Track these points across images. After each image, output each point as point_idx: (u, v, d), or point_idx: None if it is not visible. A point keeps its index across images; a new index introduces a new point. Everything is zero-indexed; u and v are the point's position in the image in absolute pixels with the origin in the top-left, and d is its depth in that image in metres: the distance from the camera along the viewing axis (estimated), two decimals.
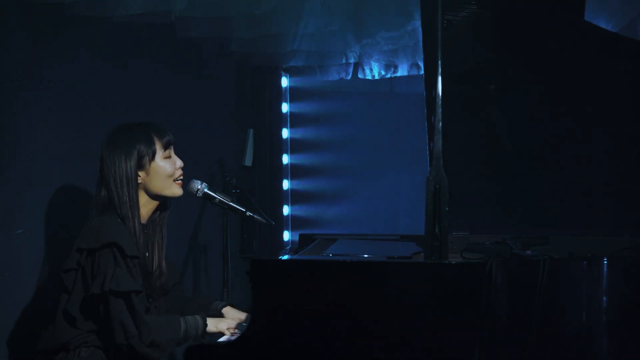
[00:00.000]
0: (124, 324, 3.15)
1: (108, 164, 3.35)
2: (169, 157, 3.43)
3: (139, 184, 3.37)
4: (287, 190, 5.46)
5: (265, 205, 5.20)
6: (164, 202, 3.49)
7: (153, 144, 3.39)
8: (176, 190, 3.45)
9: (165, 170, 3.40)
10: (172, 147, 3.45)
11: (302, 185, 5.46)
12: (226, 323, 3.47)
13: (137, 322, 3.18)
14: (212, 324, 3.43)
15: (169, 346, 3.27)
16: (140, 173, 3.37)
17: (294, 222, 5.44)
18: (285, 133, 5.46)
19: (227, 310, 3.62)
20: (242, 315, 3.57)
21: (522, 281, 3.02)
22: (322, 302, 2.98)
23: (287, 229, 5.43)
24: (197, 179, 3.71)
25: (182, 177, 3.48)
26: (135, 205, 3.34)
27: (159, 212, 3.49)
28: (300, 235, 4.13)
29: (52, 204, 3.87)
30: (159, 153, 3.39)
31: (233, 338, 3.27)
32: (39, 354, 3.32)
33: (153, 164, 3.38)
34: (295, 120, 5.48)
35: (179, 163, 3.46)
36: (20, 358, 3.68)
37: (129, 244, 3.24)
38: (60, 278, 3.26)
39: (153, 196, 3.42)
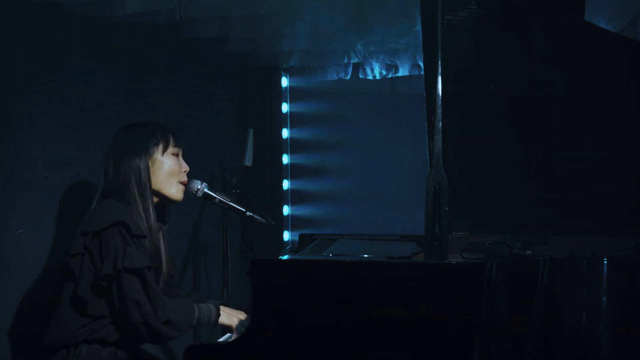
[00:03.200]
0: (139, 302, 3.16)
1: (121, 152, 3.36)
2: (177, 156, 3.47)
3: None
4: (287, 190, 5.45)
5: (265, 205, 5.20)
6: (161, 210, 3.49)
7: (167, 138, 3.43)
8: (176, 193, 3.47)
9: (171, 166, 3.44)
10: (181, 150, 3.49)
11: (302, 185, 5.46)
12: (238, 319, 3.48)
13: (152, 297, 3.18)
14: (226, 317, 3.45)
15: (183, 327, 3.28)
16: (148, 161, 3.40)
17: (294, 222, 5.44)
18: (285, 133, 5.46)
19: (222, 310, 3.61)
20: (235, 314, 3.57)
21: (522, 281, 3.02)
22: (322, 302, 2.98)
23: (287, 229, 5.42)
24: (197, 179, 3.71)
25: (185, 183, 3.50)
26: (148, 193, 3.35)
27: (160, 224, 3.49)
28: (300, 235, 4.13)
29: (52, 204, 3.87)
30: (170, 148, 3.43)
31: (233, 338, 3.27)
32: (43, 351, 3.31)
33: (162, 156, 3.41)
34: (295, 120, 5.48)
35: (185, 167, 3.49)
36: (21, 357, 3.68)
37: (134, 223, 3.25)
38: (66, 263, 3.26)
39: (154, 190, 3.43)
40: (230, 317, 3.48)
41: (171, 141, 3.46)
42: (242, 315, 3.55)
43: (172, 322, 3.23)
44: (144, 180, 3.37)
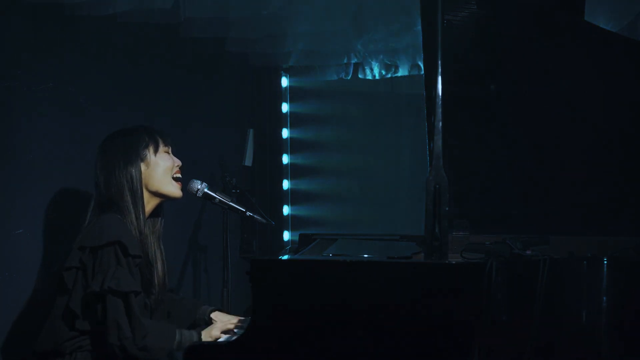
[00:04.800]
0: (119, 325, 3.15)
1: (111, 162, 3.36)
2: (168, 152, 3.47)
3: None
4: (287, 190, 5.45)
5: (265, 205, 5.20)
6: (160, 206, 3.50)
7: (156, 138, 3.43)
8: (174, 190, 3.47)
9: (165, 164, 3.43)
10: (170, 147, 3.49)
11: (302, 185, 5.45)
12: (218, 328, 3.46)
13: (133, 323, 3.17)
14: (206, 335, 3.41)
15: (161, 353, 3.26)
16: (141, 165, 3.39)
17: (294, 222, 5.44)
18: (285, 133, 5.46)
19: (216, 315, 3.61)
20: (233, 319, 3.56)
21: (522, 281, 3.02)
22: (322, 302, 2.98)
23: (287, 229, 5.42)
24: (197, 179, 3.71)
25: (180, 177, 3.50)
26: (140, 199, 3.35)
27: (156, 220, 3.49)
28: (300, 235, 4.13)
29: (52, 204, 3.87)
30: (161, 147, 3.43)
31: (233, 338, 3.27)
32: (35, 356, 3.31)
33: (155, 156, 3.41)
34: (295, 120, 5.47)
35: (177, 161, 3.49)
36: (22, 356, 3.68)
37: (132, 242, 3.25)
38: (60, 276, 3.26)
39: (152, 192, 3.43)
40: (210, 330, 3.43)
41: (160, 141, 3.45)
42: (221, 325, 3.53)
43: (148, 349, 3.20)
44: (135, 187, 3.36)
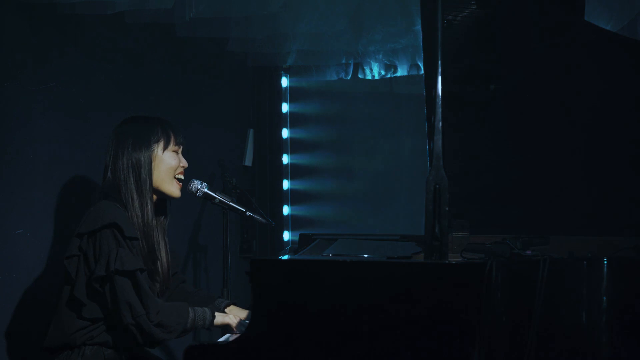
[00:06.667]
0: (131, 304, 3.16)
1: (120, 146, 3.35)
2: (177, 152, 3.46)
3: None
4: (287, 190, 5.46)
5: (265, 205, 5.20)
6: (162, 204, 3.50)
7: (168, 134, 3.42)
8: (174, 190, 3.47)
9: (170, 162, 3.43)
10: (181, 147, 3.48)
11: (302, 185, 5.46)
12: (233, 316, 3.47)
13: (144, 300, 3.18)
14: (220, 317, 3.43)
15: (177, 329, 3.26)
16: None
17: (294, 222, 5.44)
18: (285, 133, 5.46)
19: (231, 309, 3.63)
20: (245, 314, 3.57)
21: (522, 281, 3.02)
22: (322, 302, 2.98)
23: (287, 229, 5.42)
24: (197, 179, 3.71)
25: (182, 177, 3.50)
26: (147, 188, 3.34)
27: (160, 218, 3.49)
28: (300, 235, 4.13)
29: (53, 204, 3.87)
30: (171, 145, 3.42)
31: (233, 338, 3.27)
32: (45, 351, 3.32)
33: (163, 153, 3.41)
34: (295, 120, 5.48)
35: (184, 162, 3.49)
36: (21, 357, 3.68)
37: (128, 225, 3.24)
38: (63, 266, 3.26)
39: (153, 187, 3.43)
40: (225, 315, 3.47)
41: (172, 139, 3.45)
42: (242, 314, 3.55)
43: (164, 325, 3.21)
44: (143, 176, 3.36)
